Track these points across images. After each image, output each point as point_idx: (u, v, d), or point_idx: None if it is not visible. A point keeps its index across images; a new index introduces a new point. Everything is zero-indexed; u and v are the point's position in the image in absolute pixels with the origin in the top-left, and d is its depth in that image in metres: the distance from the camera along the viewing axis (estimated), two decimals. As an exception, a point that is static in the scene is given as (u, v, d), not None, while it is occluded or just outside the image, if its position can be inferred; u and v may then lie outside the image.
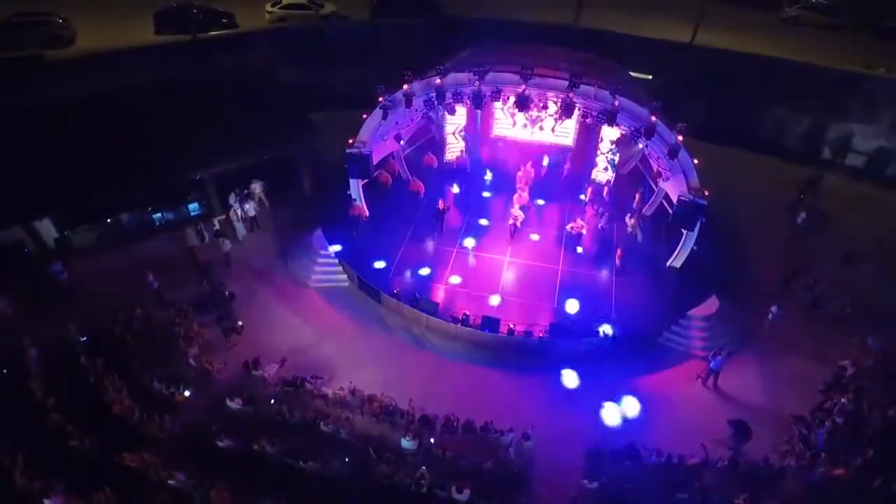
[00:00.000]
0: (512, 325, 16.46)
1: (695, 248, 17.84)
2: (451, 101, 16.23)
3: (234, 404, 14.49)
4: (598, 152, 20.79)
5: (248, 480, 12.99)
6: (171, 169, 18.96)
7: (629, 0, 31.35)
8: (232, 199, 20.12)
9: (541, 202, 21.30)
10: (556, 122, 19.17)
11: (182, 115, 19.90)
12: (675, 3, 29.75)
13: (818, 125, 25.14)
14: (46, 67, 23.00)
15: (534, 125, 21.11)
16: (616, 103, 14.76)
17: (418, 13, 29.38)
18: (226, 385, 15.38)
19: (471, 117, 21.12)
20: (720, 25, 28.28)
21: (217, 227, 19.80)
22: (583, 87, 15.09)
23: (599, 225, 19.78)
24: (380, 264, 18.70)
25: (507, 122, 21.45)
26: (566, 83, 14.86)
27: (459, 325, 16.67)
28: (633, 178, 20.93)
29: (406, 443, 13.69)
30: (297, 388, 15.01)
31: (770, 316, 16.83)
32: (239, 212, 20.08)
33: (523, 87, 15.17)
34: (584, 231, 19.05)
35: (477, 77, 15.29)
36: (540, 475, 13.77)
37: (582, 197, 20.95)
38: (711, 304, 17.42)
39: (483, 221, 20.63)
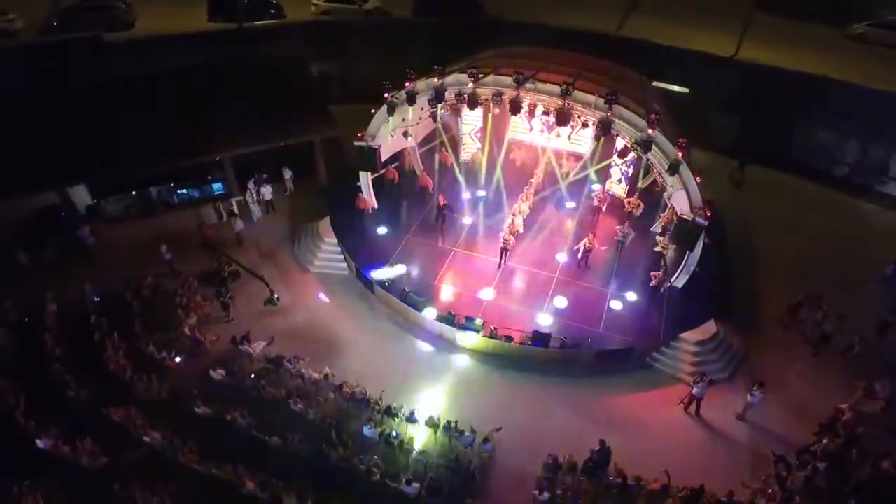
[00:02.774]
0: (493, 328, 16.46)
1: (697, 269, 17.17)
2: (453, 101, 16.37)
3: (216, 375, 15.33)
4: (613, 163, 20.31)
5: (216, 447, 13.77)
6: (196, 148, 20.10)
7: (680, 10, 30.18)
8: (251, 182, 21.10)
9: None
10: (572, 128, 18.86)
11: (215, 99, 21.15)
12: (729, 15, 28.46)
13: (863, 151, 23.44)
14: (104, 48, 24.92)
15: (550, 131, 20.84)
16: (610, 113, 14.42)
17: (460, 12, 29.62)
18: (215, 356, 16.28)
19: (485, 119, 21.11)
20: (775, 39, 26.79)
21: (234, 207, 20.81)
22: (577, 94, 14.84)
23: (616, 238, 19.20)
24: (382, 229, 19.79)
25: (524, 126, 21.32)
26: (559, 89, 14.64)
27: (443, 323, 16.83)
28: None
29: (367, 431, 14.06)
30: (276, 367, 15.68)
31: (749, 397, 14.89)
32: (255, 194, 21.05)
33: (516, 91, 15.10)
34: (594, 246, 18.58)
35: (472, 79, 15.39)
36: (496, 479, 13.81)
37: (594, 201, 20.48)
38: (708, 329, 16.73)
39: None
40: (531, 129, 21.26)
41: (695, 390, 14.93)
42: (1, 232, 18.49)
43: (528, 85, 15.17)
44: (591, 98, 14.82)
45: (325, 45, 28.41)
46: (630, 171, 20.06)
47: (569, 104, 14.91)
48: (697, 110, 24.73)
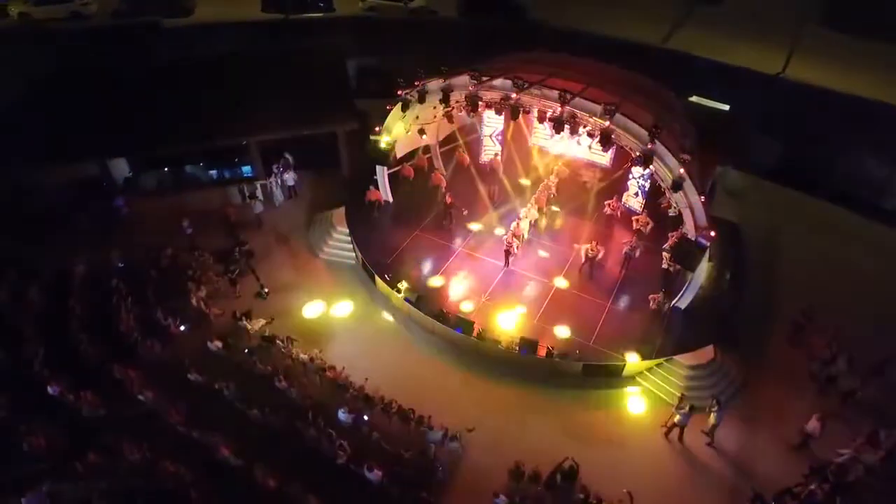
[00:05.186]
0: (483, 330, 16.54)
1: (701, 290, 16.59)
2: (462, 102, 16.51)
3: (212, 346, 16.23)
4: (630, 176, 19.84)
5: (202, 412, 14.63)
6: (224, 132, 21.23)
7: (733, 23, 28.90)
8: (275, 167, 22.07)
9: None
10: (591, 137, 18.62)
11: (250, 86, 22.26)
12: (789, 31, 27.05)
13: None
14: (162, 33, 26.71)
15: (571, 138, 20.59)
16: (609, 123, 14.12)
17: (504, 15, 29.67)
18: (217, 329, 17.20)
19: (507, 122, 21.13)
20: (838, 59, 25.12)
21: (258, 190, 21.83)
22: (582, 103, 14.63)
23: (624, 250, 18.79)
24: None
25: (546, 133, 21.13)
26: (556, 94, 14.48)
27: (436, 319, 17.05)
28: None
29: (342, 415, 14.51)
30: (269, 345, 16.40)
31: (712, 416, 14.48)
32: (279, 179, 21.99)
33: (517, 95, 15.06)
34: (599, 254, 18.34)
35: (473, 80, 15.48)
36: (459, 478, 13.94)
37: (607, 210, 20.11)
38: (705, 354, 16.13)
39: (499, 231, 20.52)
40: (552, 135, 21.05)
41: (677, 418, 14.46)
42: (41, 197, 20.27)
43: (534, 90, 15.10)
44: (597, 107, 14.57)
45: (369, 41, 29.20)
46: (647, 185, 19.51)
47: (572, 112, 14.74)
48: (736, 129, 23.69)
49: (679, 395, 15.10)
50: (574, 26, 28.41)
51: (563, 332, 16.87)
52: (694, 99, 25.34)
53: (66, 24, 27.40)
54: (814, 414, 14.38)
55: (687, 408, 14.27)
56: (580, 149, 20.66)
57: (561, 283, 18.56)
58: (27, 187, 20.68)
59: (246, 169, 22.94)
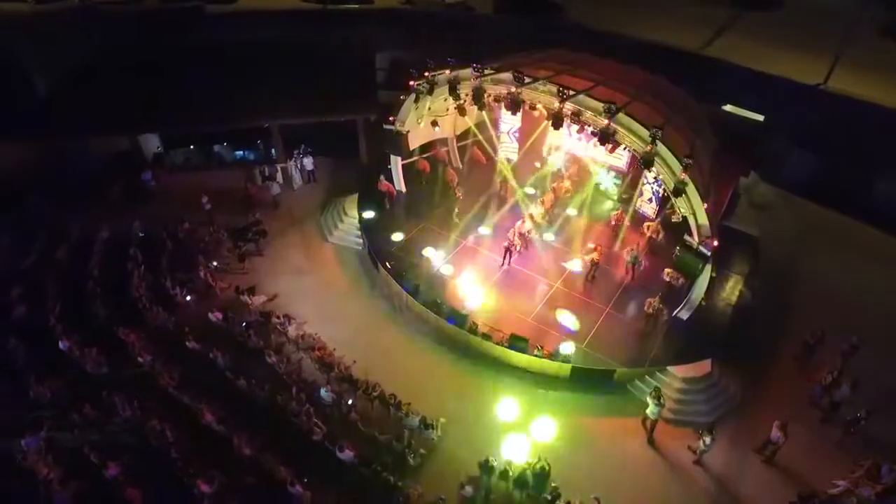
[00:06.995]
0: (475, 324, 16.50)
1: (703, 302, 16.00)
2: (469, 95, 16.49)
3: (213, 317, 16.87)
4: (644, 180, 19.30)
5: (194, 379, 15.27)
6: (248, 114, 22.00)
7: (779, 31, 27.57)
8: (295, 151, 22.70)
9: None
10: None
11: (281, 71, 22.97)
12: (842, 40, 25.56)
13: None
14: (204, 18, 27.83)
15: (587, 140, 20.23)
16: (609, 123, 13.76)
17: (540, 15, 29.38)
18: (221, 301, 17.86)
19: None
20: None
21: (278, 172, 22.50)
22: (585, 101, 14.34)
23: (626, 259, 18.35)
24: (396, 236, 19.89)
25: (562, 132, 20.81)
26: (556, 90, 14.25)
27: (430, 310, 17.13)
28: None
29: (324, 393, 14.81)
30: (266, 321, 16.91)
31: (701, 444, 13.87)
32: (298, 163, 22.60)
33: (516, 90, 14.90)
34: (597, 257, 17.98)
35: (477, 73, 15.42)
36: (431, 466, 13.92)
37: (612, 222, 19.54)
38: (702, 367, 15.55)
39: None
40: (569, 135, 20.80)
41: (649, 409, 14.02)
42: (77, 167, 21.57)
43: (538, 85, 14.95)
44: (599, 106, 14.27)
45: (404, 34, 29.47)
46: (661, 190, 18.94)
47: (576, 109, 14.50)
48: (768, 140, 22.67)
49: (675, 406, 14.64)
50: (610, 28, 27.82)
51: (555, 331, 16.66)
52: (728, 108, 24.46)
53: (121, 7, 28.96)
54: (774, 422, 13.88)
55: (658, 402, 13.79)
56: (597, 150, 20.26)
57: (560, 284, 18.29)
58: (71, 157, 22.09)
59: (272, 152, 23.64)
